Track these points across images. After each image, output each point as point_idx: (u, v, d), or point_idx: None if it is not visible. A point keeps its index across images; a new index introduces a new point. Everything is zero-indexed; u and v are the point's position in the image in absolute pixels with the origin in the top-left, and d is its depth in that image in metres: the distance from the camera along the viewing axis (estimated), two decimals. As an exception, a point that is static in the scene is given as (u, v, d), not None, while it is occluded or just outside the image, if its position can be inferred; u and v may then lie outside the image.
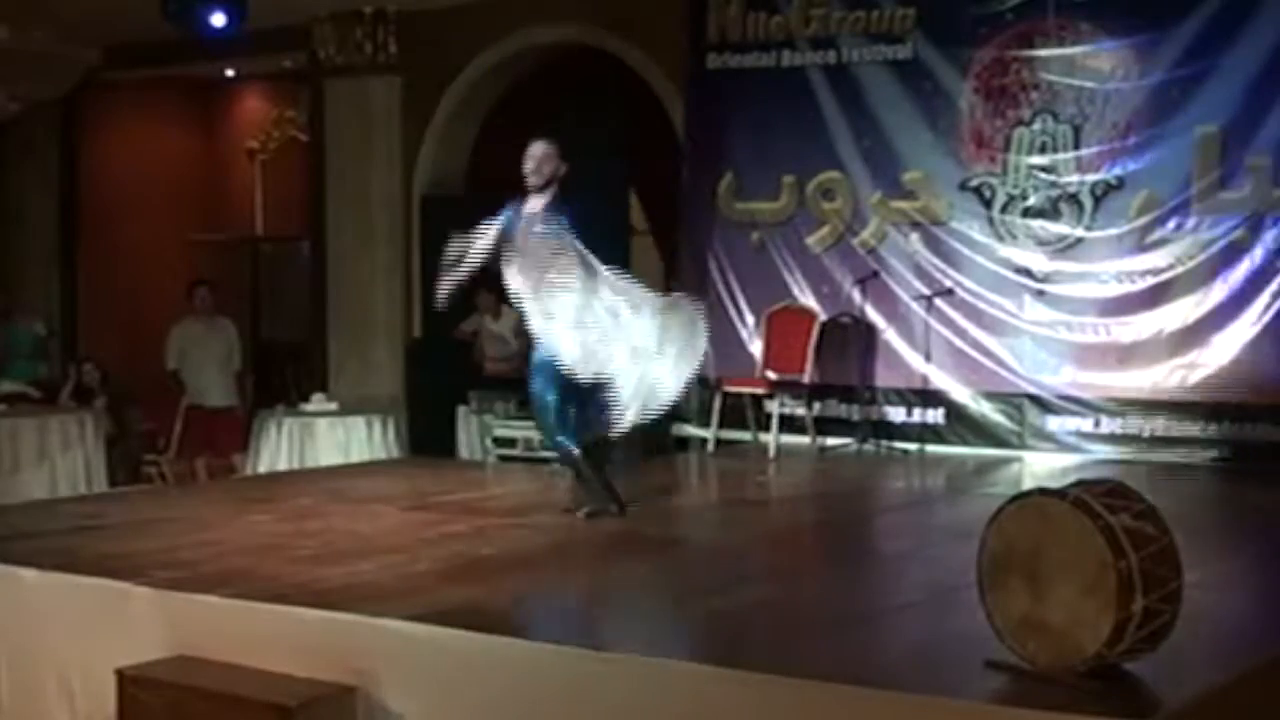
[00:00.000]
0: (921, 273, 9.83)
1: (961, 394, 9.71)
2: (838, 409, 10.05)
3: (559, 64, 12.07)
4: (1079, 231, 9.36)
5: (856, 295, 9.91)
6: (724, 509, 8.33)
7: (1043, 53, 9.42)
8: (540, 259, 6.61)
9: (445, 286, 6.79)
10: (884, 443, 9.67)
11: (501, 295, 11.54)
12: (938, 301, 9.68)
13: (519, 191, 6.77)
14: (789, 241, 10.29)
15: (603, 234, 10.41)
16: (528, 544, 6.25)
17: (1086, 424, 9.32)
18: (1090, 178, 9.31)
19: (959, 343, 9.71)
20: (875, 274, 9.88)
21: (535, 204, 6.74)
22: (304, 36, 12.64)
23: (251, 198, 14.89)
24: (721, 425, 10.00)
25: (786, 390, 9.84)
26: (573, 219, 6.67)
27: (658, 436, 10.75)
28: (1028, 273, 9.53)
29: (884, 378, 9.94)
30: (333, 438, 10.40)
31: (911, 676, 4.11)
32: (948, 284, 9.70)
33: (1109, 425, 9.24)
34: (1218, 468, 8.79)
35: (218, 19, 10.46)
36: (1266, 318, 8.81)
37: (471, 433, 10.91)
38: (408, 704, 4.47)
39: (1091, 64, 9.29)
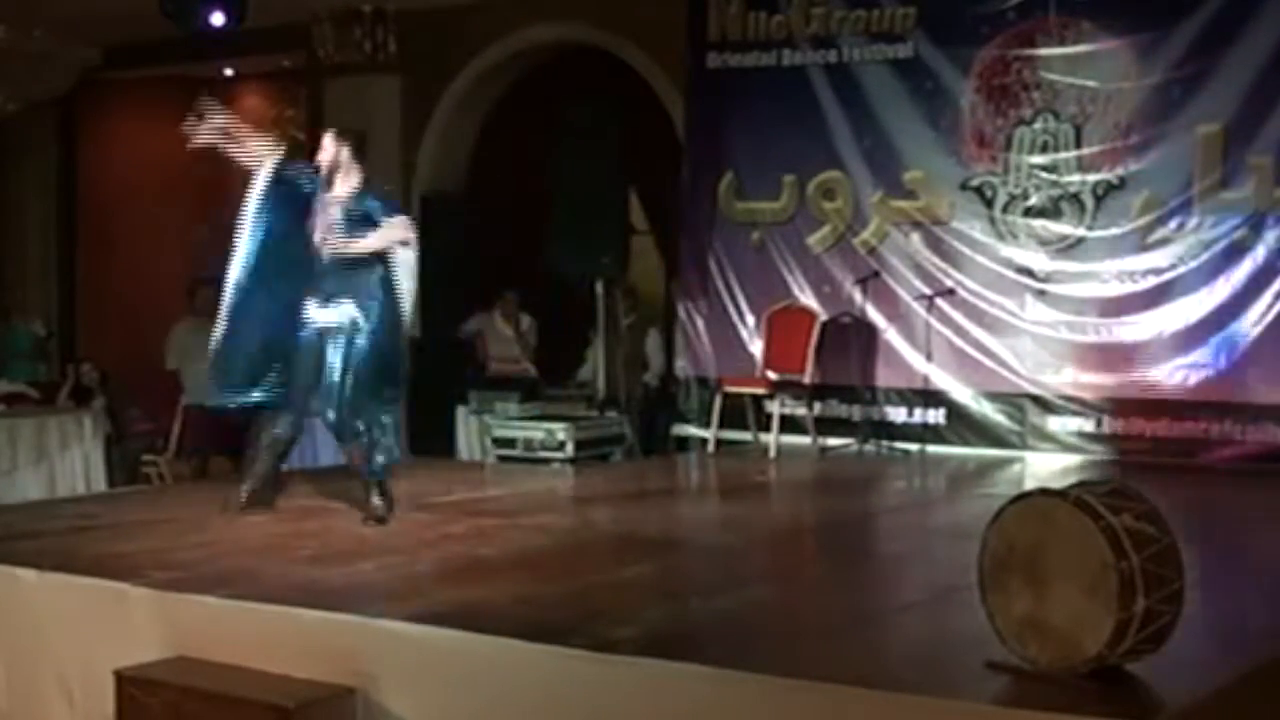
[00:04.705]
0: (922, 273, 9.82)
1: (962, 394, 9.69)
2: (838, 409, 10.03)
3: (559, 64, 12.06)
4: (1080, 231, 9.35)
5: (857, 295, 9.90)
6: (724, 510, 8.31)
7: (1044, 52, 9.41)
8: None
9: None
10: (885, 443, 9.66)
11: (524, 298, 11.68)
12: (939, 301, 9.66)
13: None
14: (789, 241, 10.28)
15: (603, 234, 10.53)
16: (527, 544, 6.24)
17: (1088, 424, 9.30)
18: (1092, 177, 9.30)
19: (960, 343, 9.69)
20: (876, 274, 9.86)
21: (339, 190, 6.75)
22: (303, 36, 12.62)
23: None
24: (722, 425, 9.98)
25: (787, 390, 9.83)
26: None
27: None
28: (1029, 272, 9.52)
29: (885, 378, 9.92)
30: (332, 438, 10.35)
31: (912, 677, 4.09)
32: (949, 284, 9.68)
33: (1110, 425, 9.22)
34: (1219, 468, 8.77)
35: (217, 17, 10.44)
36: (1269, 318, 8.80)
37: (471, 433, 10.90)
38: (407, 705, 4.46)
39: (1093, 63, 9.28)
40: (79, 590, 5.25)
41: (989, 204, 9.64)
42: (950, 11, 9.69)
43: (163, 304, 12.81)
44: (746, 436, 10.06)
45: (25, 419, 10.88)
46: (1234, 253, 8.90)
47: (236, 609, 4.91)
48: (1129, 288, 9.21)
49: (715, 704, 4.01)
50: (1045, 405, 9.44)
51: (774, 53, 10.31)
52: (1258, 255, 8.84)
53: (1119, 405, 9.19)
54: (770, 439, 9.67)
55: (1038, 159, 9.45)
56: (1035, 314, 9.49)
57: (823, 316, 10.00)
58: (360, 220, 6.71)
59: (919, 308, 9.74)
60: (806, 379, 9.84)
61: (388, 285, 6.74)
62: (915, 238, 9.86)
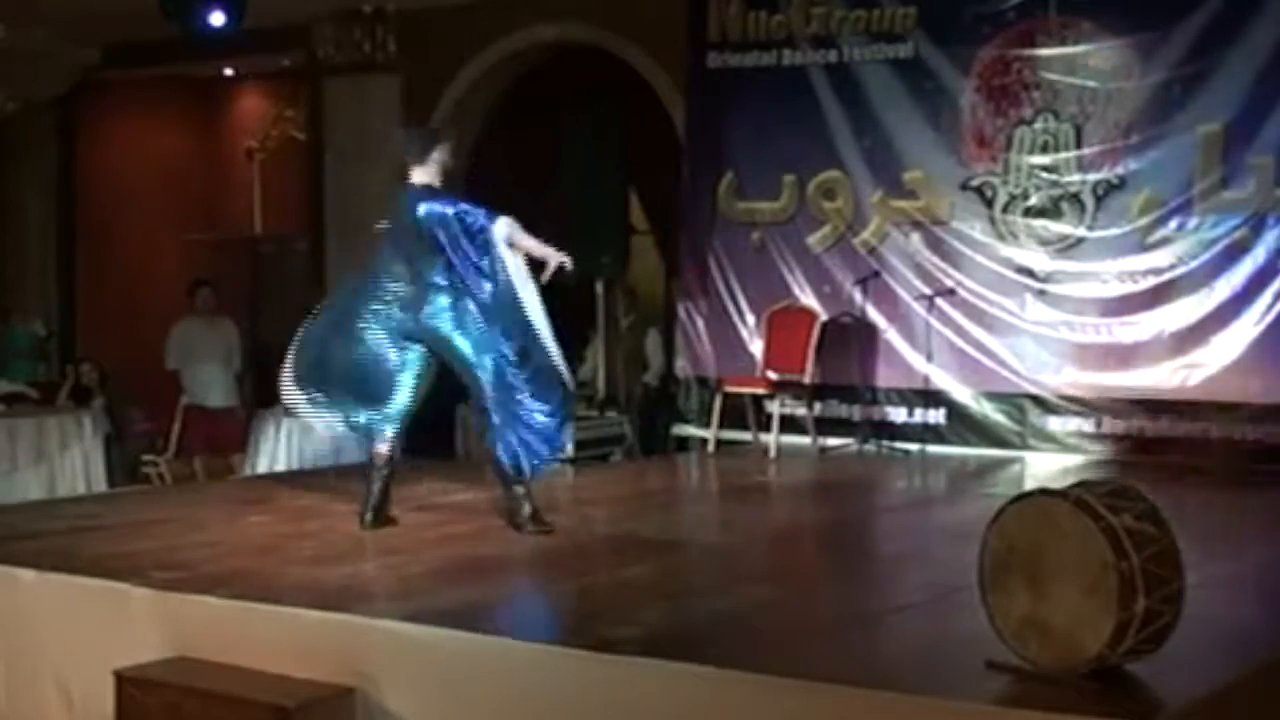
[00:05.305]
0: (923, 272, 9.81)
1: (963, 394, 9.69)
2: (838, 409, 10.03)
3: (559, 63, 12.05)
4: (1081, 231, 9.35)
5: (857, 295, 9.89)
6: (724, 510, 8.31)
7: (1044, 51, 9.40)
8: None
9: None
10: (885, 443, 9.65)
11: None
12: (939, 301, 9.66)
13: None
14: (789, 241, 10.27)
15: (603, 234, 10.53)
16: (527, 544, 6.23)
17: (1088, 424, 9.30)
18: (1092, 177, 9.29)
19: (960, 343, 9.69)
20: (876, 274, 9.86)
21: None
22: (303, 35, 12.62)
23: (250, 197, 14.86)
24: (722, 425, 9.98)
25: (787, 390, 9.82)
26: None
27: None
28: (1029, 272, 9.51)
29: (885, 378, 9.91)
30: (332, 438, 10.36)
31: (912, 677, 4.09)
32: (949, 284, 9.68)
33: (1110, 426, 9.22)
34: (1219, 469, 8.76)
35: (217, 17, 10.44)
36: (1269, 318, 8.80)
37: (471, 433, 10.89)
38: (406, 705, 4.46)
39: (1093, 63, 9.27)
40: (79, 590, 5.25)
41: (989, 204, 9.63)
42: (950, 11, 9.69)
43: (163, 304, 12.82)
44: (746, 436, 10.05)
45: (25, 419, 10.90)
46: (1234, 253, 8.89)
47: (236, 609, 4.91)
48: (1129, 288, 9.20)
49: (715, 704, 4.01)
50: (1045, 405, 9.43)
51: (774, 52, 10.30)
52: (1258, 255, 8.83)
53: (1119, 405, 9.19)
54: (770, 439, 9.66)
55: (1038, 159, 9.44)
56: (1035, 314, 9.48)
57: (823, 316, 9.99)
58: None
59: (919, 308, 9.73)
60: (806, 379, 9.83)
61: None
62: (915, 238, 9.86)
